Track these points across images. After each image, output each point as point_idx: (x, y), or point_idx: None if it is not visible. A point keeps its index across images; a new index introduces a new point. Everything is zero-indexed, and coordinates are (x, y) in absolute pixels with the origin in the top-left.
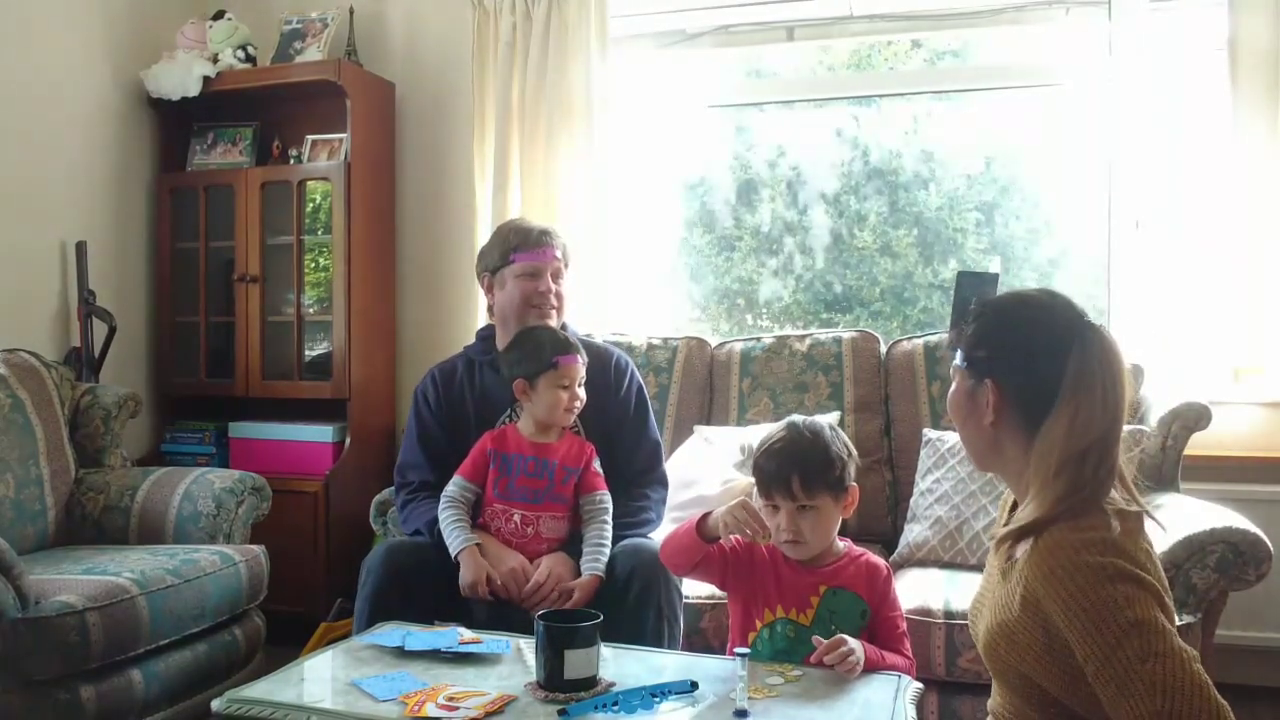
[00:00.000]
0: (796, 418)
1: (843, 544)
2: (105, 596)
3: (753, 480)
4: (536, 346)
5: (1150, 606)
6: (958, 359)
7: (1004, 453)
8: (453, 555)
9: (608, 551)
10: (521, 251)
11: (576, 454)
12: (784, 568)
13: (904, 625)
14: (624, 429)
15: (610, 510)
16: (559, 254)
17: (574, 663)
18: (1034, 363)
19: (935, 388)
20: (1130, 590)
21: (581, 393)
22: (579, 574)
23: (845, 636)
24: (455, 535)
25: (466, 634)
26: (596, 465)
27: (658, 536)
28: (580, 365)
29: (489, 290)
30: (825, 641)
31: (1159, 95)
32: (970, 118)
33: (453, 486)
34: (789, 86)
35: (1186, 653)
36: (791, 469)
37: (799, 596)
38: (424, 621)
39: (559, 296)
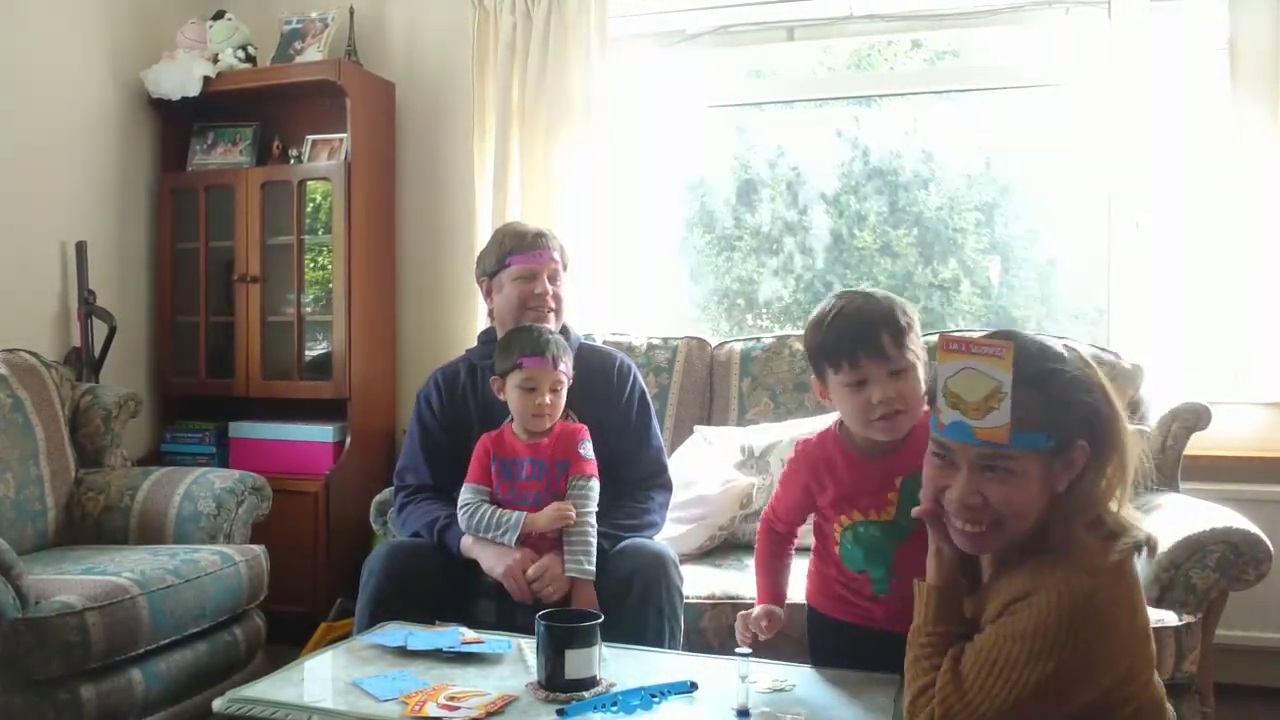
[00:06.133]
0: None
1: None
2: (105, 596)
3: (753, 481)
4: (509, 345)
5: (1048, 670)
6: (1036, 443)
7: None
8: (514, 539)
9: (591, 547)
10: (517, 254)
11: (566, 444)
12: (858, 470)
13: None
14: (627, 434)
15: (594, 497)
16: (556, 256)
17: (574, 663)
18: (1098, 418)
19: None
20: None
21: (552, 399)
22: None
23: None
24: (507, 519)
25: (468, 634)
26: (583, 449)
27: (659, 538)
28: (550, 370)
29: (488, 294)
30: None
31: (1159, 95)
32: (970, 118)
33: (469, 494)
34: (789, 86)
35: (1018, 704)
36: (876, 328)
37: (878, 495)
38: (425, 622)
39: (556, 299)
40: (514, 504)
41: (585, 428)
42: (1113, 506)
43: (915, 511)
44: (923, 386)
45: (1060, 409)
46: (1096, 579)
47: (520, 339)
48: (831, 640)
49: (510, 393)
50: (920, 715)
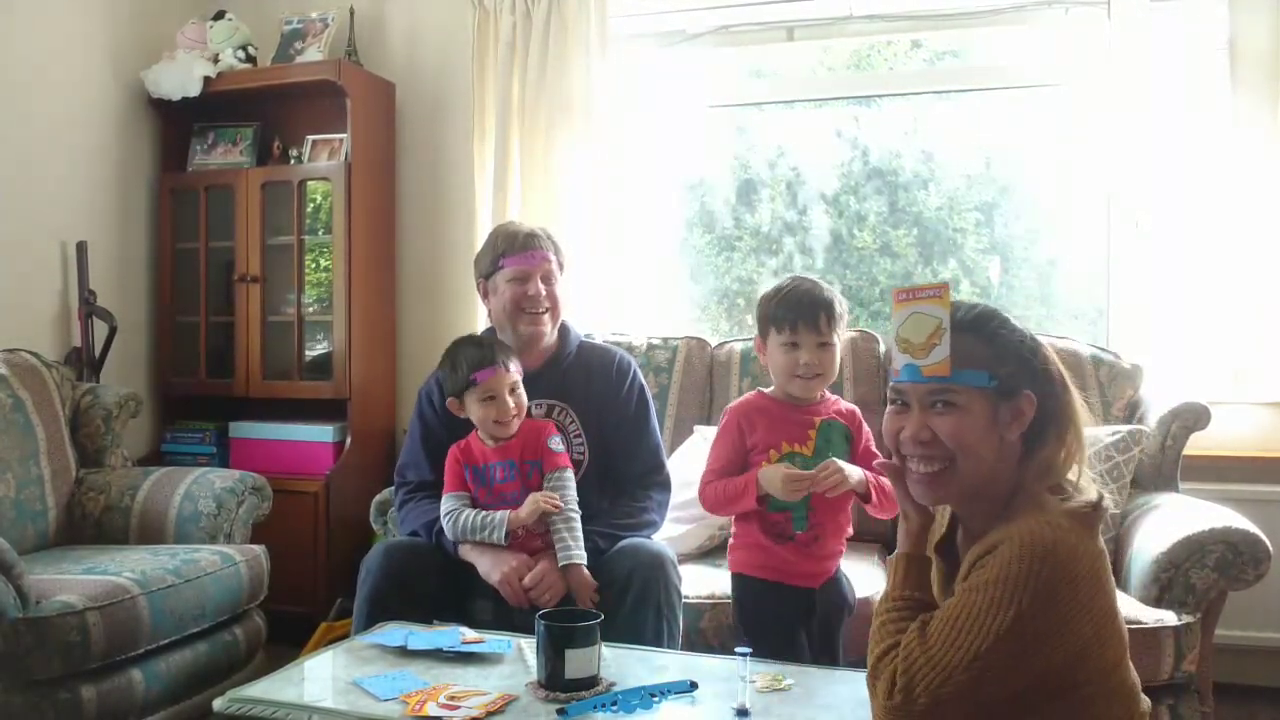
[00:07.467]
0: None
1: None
2: (106, 596)
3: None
4: (454, 364)
5: (1009, 619)
6: (978, 381)
7: (997, 478)
8: (503, 539)
9: (579, 532)
10: (509, 255)
11: (534, 442)
12: (783, 412)
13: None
14: (624, 430)
15: (571, 487)
16: (550, 256)
17: (574, 662)
18: (1048, 381)
19: None
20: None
21: (513, 400)
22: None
23: (834, 460)
24: (492, 519)
25: (468, 634)
26: (552, 444)
27: (658, 538)
28: (503, 375)
29: (484, 296)
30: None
31: (1159, 95)
32: (970, 118)
33: (451, 502)
34: (789, 86)
35: (981, 657)
36: (818, 308)
37: (799, 432)
38: (423, 621)
39: (552, 299)
40: (495, 508)
41: (552, 423)
42: (1071, 476)
43: (877, 464)
44: (837, 364)
45: (1001, 350)
46: (1059, 531)
47: (464, 354)
48: (755, 601)
49: (471, 409)
50: (881, 678)
